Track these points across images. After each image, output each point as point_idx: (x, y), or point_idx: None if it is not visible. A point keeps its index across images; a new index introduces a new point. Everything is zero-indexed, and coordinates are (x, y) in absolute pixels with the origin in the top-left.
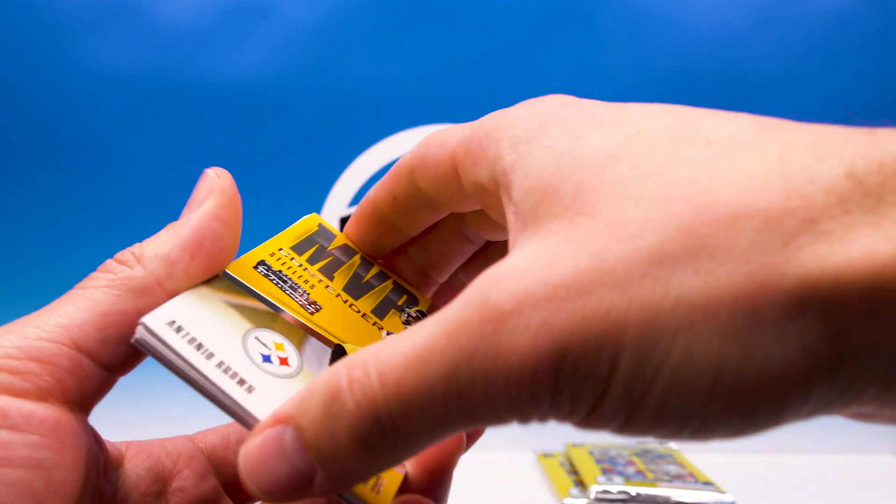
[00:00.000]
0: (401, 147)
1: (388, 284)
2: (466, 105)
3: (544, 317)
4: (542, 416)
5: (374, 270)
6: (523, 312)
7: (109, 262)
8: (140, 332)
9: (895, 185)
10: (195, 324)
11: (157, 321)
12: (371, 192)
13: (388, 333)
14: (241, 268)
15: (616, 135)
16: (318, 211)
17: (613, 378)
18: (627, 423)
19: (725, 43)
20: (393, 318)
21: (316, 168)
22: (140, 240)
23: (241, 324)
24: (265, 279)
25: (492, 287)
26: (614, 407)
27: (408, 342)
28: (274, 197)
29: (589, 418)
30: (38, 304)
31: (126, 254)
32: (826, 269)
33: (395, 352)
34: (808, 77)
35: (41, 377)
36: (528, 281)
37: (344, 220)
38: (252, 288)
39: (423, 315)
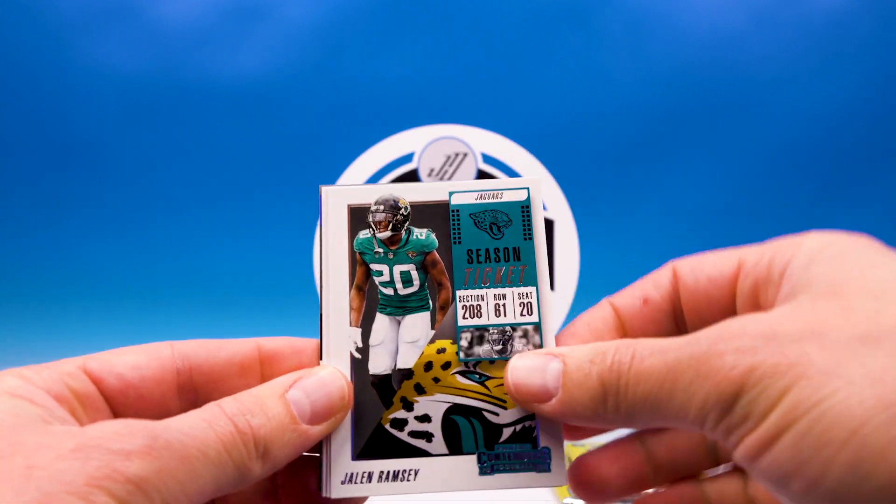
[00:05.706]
0: (401, 147)
1: None
2: (466, 105)
3: None
4: None
5: None
6: None
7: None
8: None
9: None
10: None
11: None
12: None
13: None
14: None
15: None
16: (318, 211)
17: None
18: None
19: (725, 43)
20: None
21: (316, 168)
22: (138, 240)
23: None
24: None
25: None
26: None
27: (668, 350)
28: (274, 197)
29: None
30: (38, 304)
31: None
32: None
33: (653, 351)
34: (808, 77)
35: None
36: None
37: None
38: None
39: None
